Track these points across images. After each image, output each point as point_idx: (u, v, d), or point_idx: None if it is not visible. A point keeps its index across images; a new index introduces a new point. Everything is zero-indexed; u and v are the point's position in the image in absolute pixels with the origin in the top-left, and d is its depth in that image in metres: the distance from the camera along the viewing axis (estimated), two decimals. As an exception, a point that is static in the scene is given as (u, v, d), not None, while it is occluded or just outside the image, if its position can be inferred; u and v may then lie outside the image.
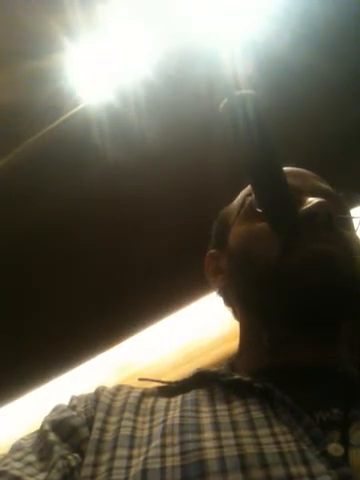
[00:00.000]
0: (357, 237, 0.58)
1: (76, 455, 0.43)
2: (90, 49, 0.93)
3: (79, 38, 0.90)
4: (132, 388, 0.55)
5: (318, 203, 0.52)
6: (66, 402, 0.53)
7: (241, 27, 0.90)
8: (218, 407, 0.46)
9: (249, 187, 0.63)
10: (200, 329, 1.31)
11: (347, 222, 0.58)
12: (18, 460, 0.44)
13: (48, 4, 0.85)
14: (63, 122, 1.03)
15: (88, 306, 1.29)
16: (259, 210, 0.56)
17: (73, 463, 0.42)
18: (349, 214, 0.60)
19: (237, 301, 0.61)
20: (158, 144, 1.06)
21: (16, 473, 0.41)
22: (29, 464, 0.43)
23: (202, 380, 0.53)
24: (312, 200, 0.53)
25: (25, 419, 1.36)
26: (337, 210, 0.55)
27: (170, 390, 0.54)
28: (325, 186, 0.60)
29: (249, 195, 0.61)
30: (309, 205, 0.52)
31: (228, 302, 0.65)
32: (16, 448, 0.46)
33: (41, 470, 0.42)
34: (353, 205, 0.61)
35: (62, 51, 0.91)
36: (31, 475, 0.41)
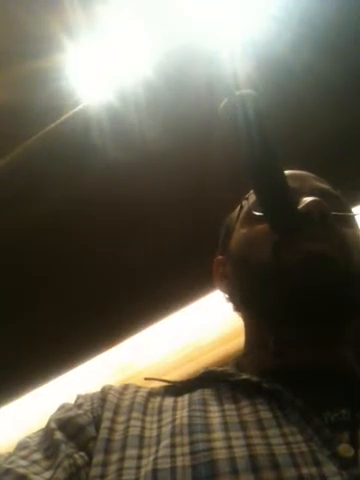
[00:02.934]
0: (358, 234, 0.57)
1: (82, 454, 0.43)
2: (90, 49, 0.93)
3: (79, 38, 0.90)
4: (139, 387, 0.55)
5: (311, 202, 0.52)
6: (71, 401, 0.53)
7: (241, 27, 0.90)
8: (226, 407, 0.46)
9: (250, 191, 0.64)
10: (200, 329, 1.32)
11: (347, 219, 0.58)
12: (24, 458, 0.43)
13: (48, 4, 0.85)
14: (63, 122, 1.03)
15: (88, 306, 1.29)
16: (256, 213, 0.57)
17: (79, 462, 0.42)
18: (349, 211, 0.59)
19: (241, 304, 0.61)
20: (158, 144, 1.06)
21: (22, 471, 0.41)
22: (35, 462, 0.43)
23: (208, 380, 0.53)
24: (306, 199, 0.53)
25: (25, 419, 1.36)
26: (334, 208, 0.55)
27: (176, 390, 0.54)
28: (323, 185, 0.60)
29: (245, 199, 0.62)
30: (302, 204, 0.52)
31: (235, 307, 0.65)
32: (22, 446, 0.46)
33: (47, 468, 0.42)
34: (354, 203, 0.61)
35: (62, 51, 0.91)
36: (37, 473, 0.41)
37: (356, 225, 0.59)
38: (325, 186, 0.60)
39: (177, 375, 1.22)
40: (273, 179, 0.50)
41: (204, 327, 1.30)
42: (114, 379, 1.32)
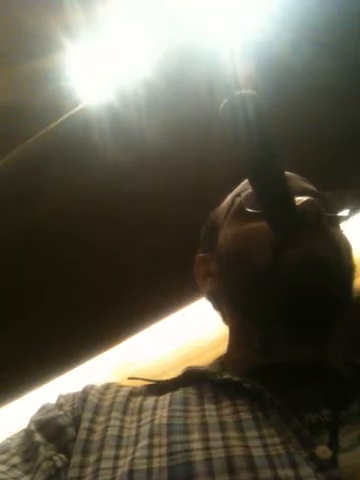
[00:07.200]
0: (344, 235, 0.58)
1: (62, 456, 0.43)
2: (90, 49, 0.93)
3: (79, 38, 0.90)
4: (121, 387, 0.55)
5: (307, 201, 0.52)
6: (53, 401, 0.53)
7: (241, 27, 0.90)
8: (207, 407, 0.46)
9: (237, 189, 0.64)
10: (199, 329, 1.31)
11: (334, 221, 0.59)
12: (3, 463, 0.43)
13: (48, 4, 0.85)
14: (63, 122, 1.03)
15: (88, 306, 1.29)
16: (250, 210, 0.57)
17: (59, 464, 0.42)
18: (337, 213, 0.60)
19: (227, 303, 0.61)
20: (158, 144, 1.06)
21: (1, 477, 0.41)
22: (14, 466, 0.43)
23: (191, 379, 0.53)
24: (301, 199, 0.53)
25: (24, 419, 1.35)
26: (325, 209, 0.56)
27: (159, 388, 0.54)
28: (311, 186, 0.61)
29: (238, 196, 0.61)
30: (298, 203, 0.52)
31: (217, 306, 0.65)
32: (2, 450, 0.46)
33: (26, 472, 0.42)
34: (343, 205, 0.62)
35: (62, 51, 0.91)
36: (16, 478, 0.41)
37: (340, 226, 0.60)
38: (312, 187, 0.61)
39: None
40: (274, 180, 0.50)
41: (204, 327, 1.30)
42: (114, 379, 1.32)
